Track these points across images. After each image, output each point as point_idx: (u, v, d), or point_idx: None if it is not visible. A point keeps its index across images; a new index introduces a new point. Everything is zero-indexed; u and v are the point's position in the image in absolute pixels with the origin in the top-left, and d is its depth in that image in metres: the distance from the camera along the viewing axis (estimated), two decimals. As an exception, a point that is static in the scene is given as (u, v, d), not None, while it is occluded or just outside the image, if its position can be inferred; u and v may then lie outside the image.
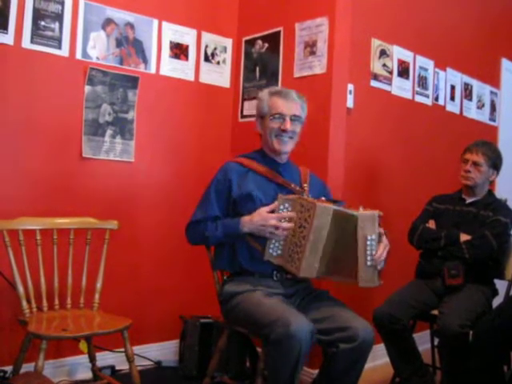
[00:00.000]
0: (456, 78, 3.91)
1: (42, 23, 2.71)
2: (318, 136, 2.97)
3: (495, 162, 2.84)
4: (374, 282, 2.12)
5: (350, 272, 2.11)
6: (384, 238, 2.14)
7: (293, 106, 2.30)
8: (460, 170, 2.88)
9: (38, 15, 2.69)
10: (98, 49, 2.92)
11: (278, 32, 3.23)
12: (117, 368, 2.94)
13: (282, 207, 2.18)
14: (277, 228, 2.15)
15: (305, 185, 2.35)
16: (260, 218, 2.17)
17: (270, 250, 2.20)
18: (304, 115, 2.37)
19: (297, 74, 3.11)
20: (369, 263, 2.09)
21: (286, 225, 2.15)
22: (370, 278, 2.11)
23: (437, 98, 3.74)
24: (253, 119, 2.52)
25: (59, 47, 2.77)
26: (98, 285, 2.62)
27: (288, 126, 2.27)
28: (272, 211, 2.18)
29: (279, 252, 2.20)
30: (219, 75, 3.44)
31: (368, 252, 2.08)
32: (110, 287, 2.77)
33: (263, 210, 2.18)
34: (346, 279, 2.15)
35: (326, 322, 2.10)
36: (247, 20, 3.45)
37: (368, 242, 2.08)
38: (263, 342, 2.08)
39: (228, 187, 2.30)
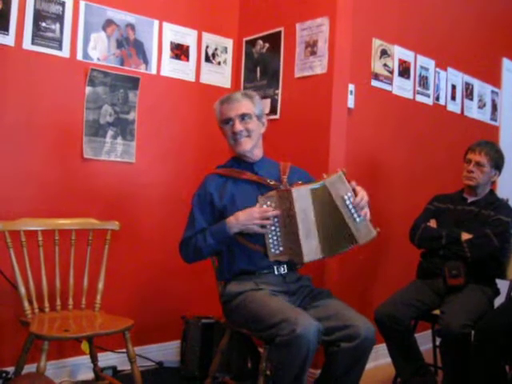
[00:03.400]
0: (457, 77, 3.90)
1: (43, 24, 2.71)
2: (318, 136, 2.97)
3: (498, 163, 2.83)
4: (371, 234, 2.14)
5: (349, 236, 2.14)
6: (358, 188, 2.18)
7: (237, 106, 2.32)
8: (462, 170, 2.87)
9: (38, 16, 2.69)
10: (99, 50, 2.92)
11: (279, 32, 3.23)
12: (118, 368, 2.94)
13: (264, 206, 2.22)
14: (263, 218, 2.18)
15: (283, 176, 2.37)
16: (243, 214, 2.21)
17: (272, 250, 2.23)
18: (257, 110, 2.36)
19: (297, 74, 3.11)
20: (357, 219, 2.13)
21: (271, 213, 2.19)
22: (366, 231, 2.14)
23: (438, 98, 3.74)
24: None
25: (60, 48, 2.78)
26: (100, 285, 2.62)
27: (237, 127, 2.29)
28: None
29: (281, 249, 2.23)
30: (220, 76, 3.44)
31: (352, 210, 2.12)
32: (111, 288, 2.77)
33: (246, 209, 2.22)
34: (348, 246, 2.17)
35: (328, 321, 2.09)
36: (248, 20, 3.45)
37: (347, 202, 2.12)
38: (267, 342, 2.08)
39: (210, 200, 2.33)
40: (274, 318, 2.00)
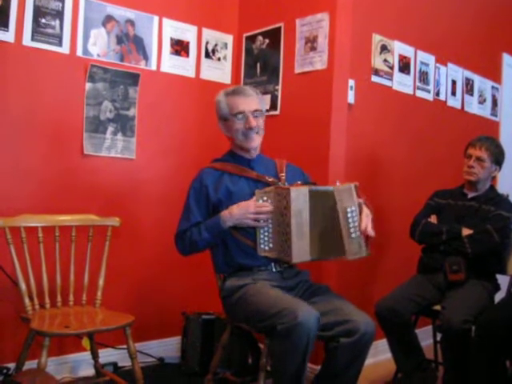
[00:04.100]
0: (457, 73, 3.90)
1: (43, 20, 2.71)
2: (319, 132, 2.97)
3: (498, 158, 2.83)
4: (361, 253, 2.12)
5: (339, 248, 2.13)
6: (364, 208, 2.17)
7: (251, 101, 2.31)
8: (462, 165, 2.87)
9: (38, 13, 2.69)
10: (99, 46, 2.91)
11: (279, 28, 3.22)
12: (119, 365, 2.95)
13: (260, 201, 2.22)
14: (257, 213, 2.18)
15: (281, 174, 2.37)
16: (238, 208, 2.21)
17: (262, 245, 2.24)
18: (264, 108, 2.38)
19: (298, 70, 3.10)
20: (353, 235, 2.11)
21: (265, 208, 2.19)
22: (357, 249, 2.12)
23: (438, 93, 3.73)
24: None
25: (60, 44, 2.77)
26: (100, 281, 2.62)
27: (252, 123, 2.28)
28: None
29: (270, 245, 2.23)
30: (220, 71, 3.43)
31: (351, 224, 2.11)
32: (112, 284, 2.78)
33: (241, 202, 2.22)
34: (335, 257, 2.17)
35: (327, 317, 2.10)
36: (248, 16, 3.44)
37: (349, 214, 2.10)
38: (268, 333, 2.08)
39: (205, 194, 2.32)
40: (274, 307, 2.02)
